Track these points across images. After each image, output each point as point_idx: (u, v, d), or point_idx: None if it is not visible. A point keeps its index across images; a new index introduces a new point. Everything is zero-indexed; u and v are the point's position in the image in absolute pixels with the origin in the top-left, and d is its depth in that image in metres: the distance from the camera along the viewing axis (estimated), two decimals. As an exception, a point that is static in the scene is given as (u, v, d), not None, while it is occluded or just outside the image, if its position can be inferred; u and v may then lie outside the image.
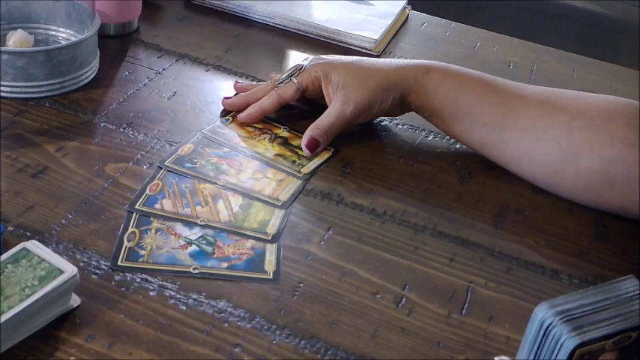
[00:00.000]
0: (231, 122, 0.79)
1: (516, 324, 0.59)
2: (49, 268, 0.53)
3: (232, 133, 0.77)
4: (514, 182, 0.76)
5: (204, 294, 0.58)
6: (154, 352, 0.52)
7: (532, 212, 0.73)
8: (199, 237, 0.63)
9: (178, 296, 0.57)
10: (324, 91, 0.78)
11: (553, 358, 0.45)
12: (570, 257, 0.68)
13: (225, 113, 0.80)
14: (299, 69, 0.79)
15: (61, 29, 0.87)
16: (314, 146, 0.75)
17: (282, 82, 0.79)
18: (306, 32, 1.00)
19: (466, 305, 0.61)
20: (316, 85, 0.79)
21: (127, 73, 0.85)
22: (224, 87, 0.86)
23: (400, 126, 0.83)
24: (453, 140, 0.81)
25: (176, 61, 0.89)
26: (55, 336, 0.52)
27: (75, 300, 0.54)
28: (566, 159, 0.71)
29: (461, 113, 0.75)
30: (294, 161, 0.74)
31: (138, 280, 0.58)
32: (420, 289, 0.62)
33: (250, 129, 0.78)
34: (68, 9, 0.86)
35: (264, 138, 0.77)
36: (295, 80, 0.79)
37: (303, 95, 0.80)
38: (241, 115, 0.79)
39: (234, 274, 0.60)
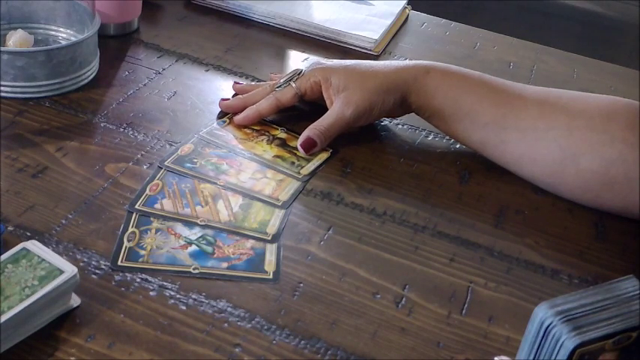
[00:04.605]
0: (229, 124, 0.79)
1: (516, 324, 0.59)
2: (49, 268, 0.53)
3: (229, 135, 0.77)
4: (514, 182, 0.76)
5: (204, 294, 0.58)
6: (154, 352, 0.52)
7: (532, 212, 0.73)
8: (199, 237, 0.63)
9: (178, 296, 0.57)
10: (325, 95, 0.78)
11: (553, 358, 0.45)
12: (570, 257, 0.68)
13: (222, 115, 0.80)
14: (298, 74, 0.79)
15: (61, 29, 0.87)
16: (310, 146, 0.75)
17: (280, 87, 0.79)
18: (306, 32, 1.00)
19: (466, 305, 0.61)
20: (315, 90, 0.78)
21: (127, 73, 0.85)
22: (224, 87, 0.86)
23: (400, 126, 0.83)
24: (453, 140, 0.81)
25: (176, 61, 0.89)
26: (55, 336, 0.52)
27: (75, 300, 0.54)
28: (566, 159, 0.71)
29: (461, 113, 0.75)
30: (293, 162, 0.74)
31: (138, 280, 0.58)
32: (420, 289, 0.62)
33: (248, 130, 0.78)
34: (68, 9, 0.86)
35: (262, 140, 0.77)
36: (294, 85, 0.79)
37: (302, 99, 0.80)
38: (238, 117, 0.79)
39: (234, 274, 0.60)
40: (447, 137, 0.81)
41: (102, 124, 0.75)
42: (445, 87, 0.76)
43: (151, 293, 0.57)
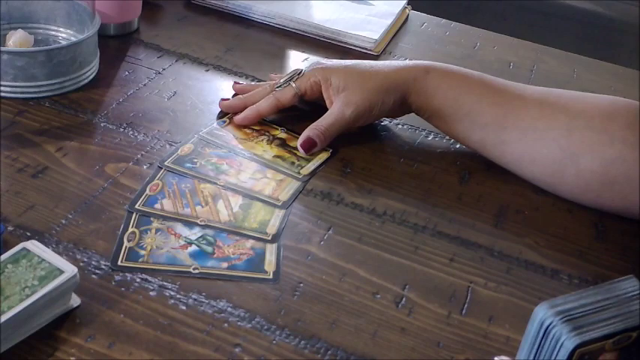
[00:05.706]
0: (228, 124, 0.79)
1: (516, 324, 0.59)
2: (49, 268, 0.53)
3: (229, 135, 0.77)
4: (514, 182, 0.76)
5: (204, 294, 0.58)
6: (154, 352, 0.52)
7: (532, 212, 0.73)
8: (199, 237, 0.63)
9: (178, 296, 0.57)
10: (325, 95, 0.78)
11: (553, 358, 0.45)
12: (570, 257, 0.68)
13: (222, 115, 0.80)
14: (298, 74, 0.79)
15: (61, 29, 0.87)
16: (309, 146, 0.75)
17: (280, 87, 0.79)
18: (306, 32, 1.00)
19: (466, 305, 0.61)
20: (315, 90, 0.78)
21: (127, 73, 0.85)
22: (224, 87, 0.86)
23: (400, 126, 0.83)
24: (453, 140, 0.81)
25: (176, 61, 0.89)
26: (55, 336, 0.52)
27: (75, 300, 0.54)
28: (566, 159, 0.71)
29: (461, 114, 0.75)
30: (293, 162, 0.74)
31: (138, 280, 0.58)
32: (420, 289, 0.62)
33: (248, 131, 0.78)
34: (68, 9, 0.86)
35: (262, 140, 0.77)
36: (294, 85, 0.79)
37: (302, 99, 0.80)
38: (238, 118, 0.79)
39: (234, 274, 0.60)
40: (447, 137, 0.81)
41: (102, 124, 0.75)
42: (445, 87, 0.76)
43: (151, 293, 0.57)
